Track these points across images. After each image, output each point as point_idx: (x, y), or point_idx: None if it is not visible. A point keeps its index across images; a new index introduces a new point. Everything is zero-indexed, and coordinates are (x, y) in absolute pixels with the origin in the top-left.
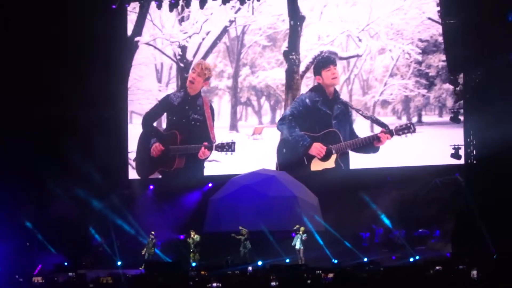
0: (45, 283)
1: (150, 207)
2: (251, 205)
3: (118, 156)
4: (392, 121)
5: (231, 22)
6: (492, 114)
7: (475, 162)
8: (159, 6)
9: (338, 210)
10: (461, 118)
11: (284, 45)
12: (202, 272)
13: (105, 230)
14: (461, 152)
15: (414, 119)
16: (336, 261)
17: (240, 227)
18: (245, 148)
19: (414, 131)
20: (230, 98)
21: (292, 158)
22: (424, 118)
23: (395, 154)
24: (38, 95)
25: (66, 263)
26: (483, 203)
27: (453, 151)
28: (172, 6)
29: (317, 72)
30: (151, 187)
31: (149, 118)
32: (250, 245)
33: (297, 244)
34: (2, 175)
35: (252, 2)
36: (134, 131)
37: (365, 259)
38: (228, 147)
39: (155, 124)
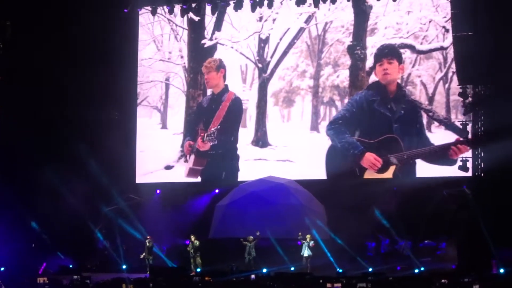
0: (49, 283)
1: (157, 212)
2: (257, 212)
3: (126, 160)
4: None
5: (308, 20)
6: (500, 127)
7: (482, 174)
8: (170, 11)
9: (345, 219)
10: (470, 130)
11: (348, 40)
12: (206, 278)
13: (111, 233)
14: (469, 164)
15: None
16: (341, 270)
17: (257, 233)
18: (324, 150)
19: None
20: (311, 98)
21: (341, 168)
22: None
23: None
24: (47, 95)
25: (71, 265)
26: (490, 216)
27: (461, 163)
28: (184, 11)
29: (373, 67)
30: (158, 191)
31: (194, 124)
32: (255, 252)
33: (305, 251)
34: (9, 176)
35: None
36: None
37: (370, 269)
38: (213, 134)
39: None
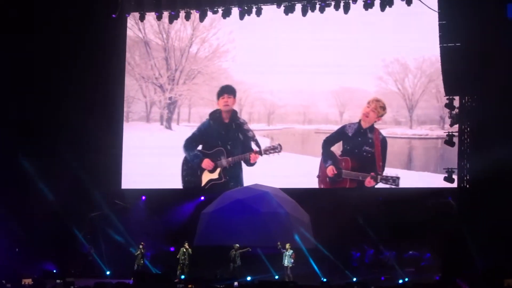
0: (33, 285)
1: (142, 218)
2: (242, 220)
3: (113, 165)
4: None
5: None
6: (486, 139)
7: (467, 186)
8: (159, 17)
9: (330, 228)
10: (455, 141)
11: None
12: (190, 286)
13: (96, 239)
14: (454, 175)
15: None
16: (325, 280)
17: (235, 246)
18: None
19: (280, 151)
20: None
21: (191, 172)
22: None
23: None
24: (35, 98)
25: (54, 271)
26: (474, 227)
27: (446, 174)
28: (172, 17)
29: (218, 99)
30: (143, 198)
31: (328, 142)
32: (240, 260)
33: (285, 261)
34: None
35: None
36: None
37: (354, 279)
38: (392, 180)
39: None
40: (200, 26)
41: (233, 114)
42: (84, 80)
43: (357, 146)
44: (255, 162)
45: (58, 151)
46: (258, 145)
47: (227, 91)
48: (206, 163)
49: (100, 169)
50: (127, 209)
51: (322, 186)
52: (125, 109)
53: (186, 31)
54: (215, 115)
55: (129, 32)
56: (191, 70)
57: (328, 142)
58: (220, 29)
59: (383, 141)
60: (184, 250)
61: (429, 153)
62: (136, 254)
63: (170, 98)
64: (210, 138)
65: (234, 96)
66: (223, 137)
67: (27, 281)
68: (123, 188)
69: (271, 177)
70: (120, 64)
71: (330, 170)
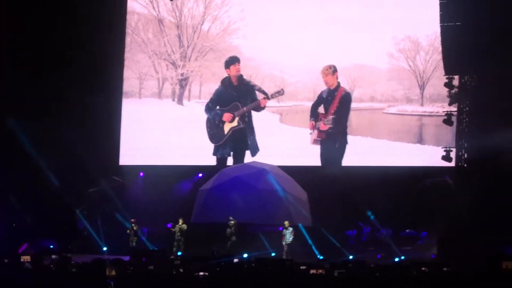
0: (31, 262)
1: (140, 194)
2: (239, 197)
3: (110, 141)
4: None
5: None
6: (485, 118)
7: (465, 165)
8: None
9: (327, 206)
10: (454, 120)
11: None
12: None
13: (93, 215)
14: (452, 154)
15: None
16: (321, 257)
17: (230, 218)
18: None
19: (283, 93)
20: None
21: (214, 127)
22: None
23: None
24: (32, 77)
25: (52, 246)
26: (472, 206)
27: (444, 153)
28: None
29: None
30: (141, 174)
31: (313, 106)
32: (237, 237)
33: (286, 239)
34: None
35: None
36: None
37: (350, 257)
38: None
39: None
40: (212, 4)
41: (240, 77)
42: (82, 56)
43: (330, 103)
44: (265, 106)
45: (56, 127)
46: (264, 92)
47: (237, 60)
48: (226, 116)
49: (98, 145)
50: (125, 185)
51: (312, 141)
52: (138, 86)
53: (198, 9)
54: (225, 81)
55: (143, 10)
56: (203, 47)
57: (314, 106)
58: (231, 7)
59: (346, 95)
60: (179, 227)
61: (440, 130)
62: (128, 231)
63: (182, 74)
64: (225, 98)
65: (240, 63)
66: (235, 96)
67: (26, 258)
68: (121, 165)
69: (277, 151)
70: (119, 40)
71: (311, 124)
